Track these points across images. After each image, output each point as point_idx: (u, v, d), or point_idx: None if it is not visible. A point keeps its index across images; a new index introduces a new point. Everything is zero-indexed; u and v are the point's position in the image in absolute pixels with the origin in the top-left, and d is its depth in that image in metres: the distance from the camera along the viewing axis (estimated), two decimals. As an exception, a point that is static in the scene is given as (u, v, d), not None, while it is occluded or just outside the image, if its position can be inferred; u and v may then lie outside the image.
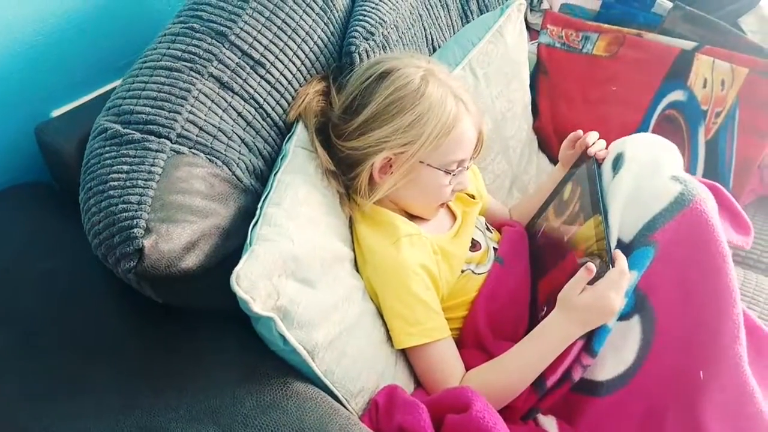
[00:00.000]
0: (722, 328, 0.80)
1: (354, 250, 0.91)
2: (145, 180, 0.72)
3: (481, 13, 1.36)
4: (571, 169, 1.03)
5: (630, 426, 0.85)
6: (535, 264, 1.00)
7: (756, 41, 1.32)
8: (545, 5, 1.55)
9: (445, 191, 0.93)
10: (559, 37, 1.38)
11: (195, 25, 0.87)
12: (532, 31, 1.46)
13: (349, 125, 0.90)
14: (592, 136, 0.99)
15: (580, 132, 1.01)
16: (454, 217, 1.03)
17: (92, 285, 0.82)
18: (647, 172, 0.88)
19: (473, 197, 1.07)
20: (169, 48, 0.85)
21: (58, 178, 0.97)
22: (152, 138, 0.77)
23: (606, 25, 1.37)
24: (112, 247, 0.68)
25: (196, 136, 0.81)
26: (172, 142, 0.78)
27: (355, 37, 1.04)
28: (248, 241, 0.75)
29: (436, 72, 0.91)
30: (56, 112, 0.98)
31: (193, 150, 0.80)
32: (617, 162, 0.92)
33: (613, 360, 0.86)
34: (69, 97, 1.00)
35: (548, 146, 1.38)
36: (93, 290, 0.82)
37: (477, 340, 0.93)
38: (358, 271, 0.90)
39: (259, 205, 0.80)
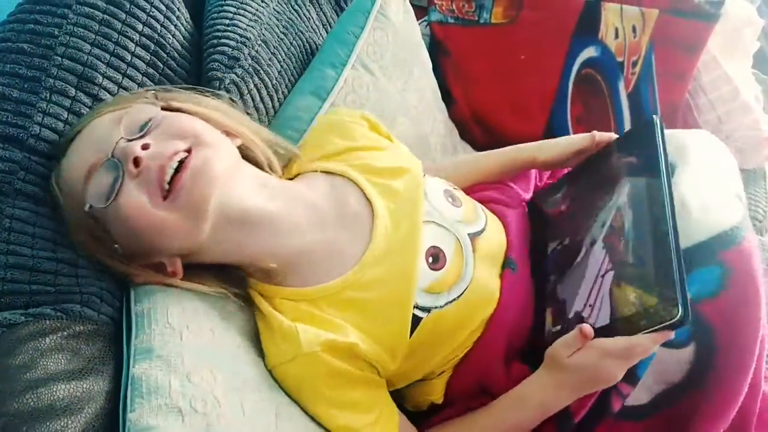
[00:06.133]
0: None
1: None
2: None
3: (358, -1, 1.13)
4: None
5: None
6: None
7: (657, -25, 1.20)
8: (420, -26, 1.34)
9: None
10: (450, 11, 1.18)
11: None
12: (416, 8, 1.25)
13: None
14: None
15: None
16: (371, 213, 0.69)
17: None
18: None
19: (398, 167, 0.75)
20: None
21: None
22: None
23: (498, -12, 1.19)
24: None
25: (29, 283, 0.54)
26: (-10, 309, 0.51)
27: (215, 69, 0.80)
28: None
29: None
30: None
31: (27, 313, 0.53)
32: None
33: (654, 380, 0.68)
34: None
35: (469, 134, 1.21)
36: None
37: (482, 386, 0.72)
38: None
39: (124, 363, 0.55)
